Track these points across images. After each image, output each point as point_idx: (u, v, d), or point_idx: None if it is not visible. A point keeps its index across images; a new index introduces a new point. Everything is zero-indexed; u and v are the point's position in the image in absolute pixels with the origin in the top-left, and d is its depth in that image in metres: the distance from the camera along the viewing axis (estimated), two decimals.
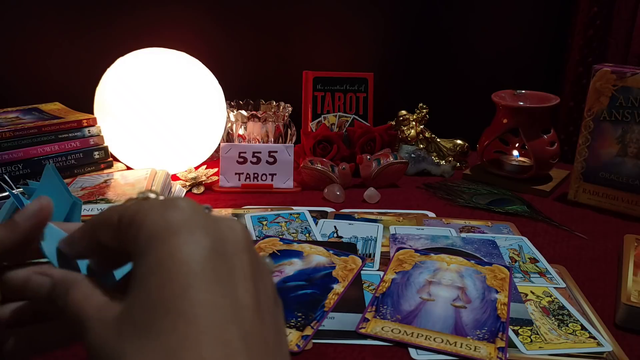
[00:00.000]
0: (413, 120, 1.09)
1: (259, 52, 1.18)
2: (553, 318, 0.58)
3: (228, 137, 1.06)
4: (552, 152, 0.95)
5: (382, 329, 0.55)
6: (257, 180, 0.94)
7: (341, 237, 0.76)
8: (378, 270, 0.68)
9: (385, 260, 0.70)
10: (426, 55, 1.21)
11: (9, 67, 1.08)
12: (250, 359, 0.22)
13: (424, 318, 0.57)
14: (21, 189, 0.47)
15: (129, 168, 0.97)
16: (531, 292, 0.63)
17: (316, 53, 1.20)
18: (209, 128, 0.98)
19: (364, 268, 0.67)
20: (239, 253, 0.24)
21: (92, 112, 0.96)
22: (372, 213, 0.85)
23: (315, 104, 1.09)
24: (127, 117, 0.91)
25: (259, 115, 1.03)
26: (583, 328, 0.57)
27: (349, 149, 1.04)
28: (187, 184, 0.94)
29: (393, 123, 1.11)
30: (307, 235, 0.77)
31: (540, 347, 0.53)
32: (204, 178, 0.95)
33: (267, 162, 0.94)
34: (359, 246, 0.74)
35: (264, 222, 0.80)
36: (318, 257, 0.69)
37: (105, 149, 0.96)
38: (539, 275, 0.67)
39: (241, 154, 0.94)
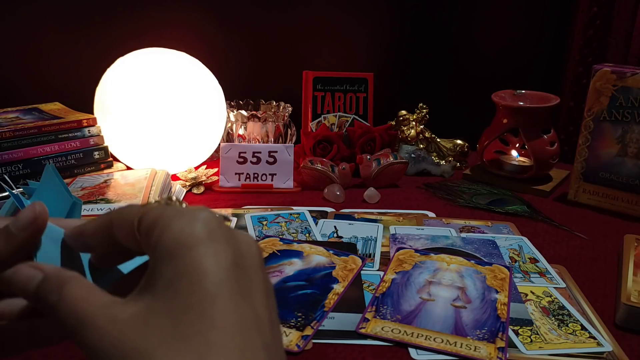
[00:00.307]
0: (413, 120, 1.09)
1: (259, 52, 1.18)
2: (553, 318, 0.58)
3: (228, 137, 1.06)
4: (552, 152, 0.95)
5: (382, 329, 0.55)
6: (257, 180, 0.94)
7: (341, 237, 0.76)
8: (378, 270, 0.68)
9: (385, 260, 0.70)
10: (426, 56, 1.21)
11: (9, 67, 1.08)
12: None
13: (424, 318, 0.57)
14: (21, 189, 0.48)
15: (129, 168, 0.97)
16: (531, 292, 0.63)
17: (316, 53, 1.20)
18: (209, 128, 0.98)
19: (364, 268, 0.67)
20: (255, 268, 0.25)
21: (92, 112, 0.96)
22: (372, 213, 0.85)
23: (315, 104, 1.09)
24: (127, 117, 0.91)
25: (259, 115, 1.03)
26: (583, 328, 0.57)
27: (349, 149, 1.04)
28: (187, 184, 0.94)
29: (393, 123, 1.11)
30: (307, 235, 0.77)
31: (540, 347, 0.53)
32: (204, 178, 0.95)
33: (267, 162, 0.94)
34: (359, 246, 0.74)
35: (264, 222, 0.80)
36: (318, 257, 0.69)
37: (105, 149, 0.96)
38: (539, 275, 0.67)
39: (241, 154, 0.94)
